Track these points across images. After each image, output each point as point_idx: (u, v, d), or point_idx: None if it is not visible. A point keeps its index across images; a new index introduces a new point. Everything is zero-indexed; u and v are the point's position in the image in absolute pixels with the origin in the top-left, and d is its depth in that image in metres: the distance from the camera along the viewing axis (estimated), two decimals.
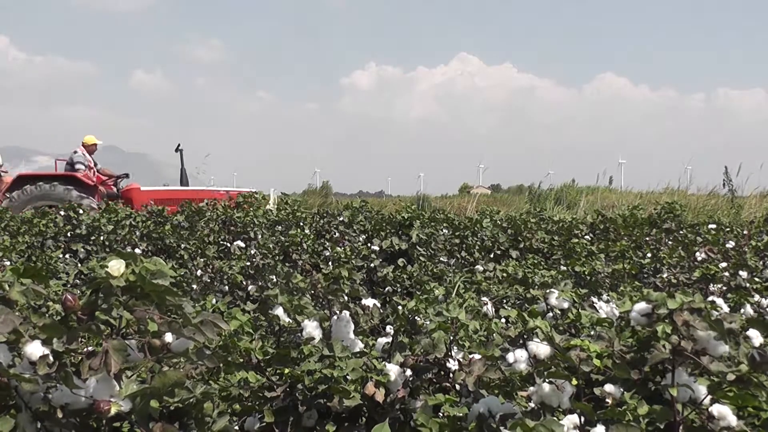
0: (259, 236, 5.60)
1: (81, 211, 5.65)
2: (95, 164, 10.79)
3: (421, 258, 4.83)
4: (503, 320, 2.40)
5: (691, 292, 1.40)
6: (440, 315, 1.88)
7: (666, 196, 14.11)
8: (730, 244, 4.87)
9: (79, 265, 4.75)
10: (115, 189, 10.77)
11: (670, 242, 5.46)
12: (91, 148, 10.76)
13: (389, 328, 2.54)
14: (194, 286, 4.08)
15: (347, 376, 1.73)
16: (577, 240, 5.16)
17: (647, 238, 5.70)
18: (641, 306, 1.40)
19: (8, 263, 4.21)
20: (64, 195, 9.77)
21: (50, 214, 5.75)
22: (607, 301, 2.66)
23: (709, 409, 1.33)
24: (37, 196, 9.79)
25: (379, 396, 1.71)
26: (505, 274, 3.52)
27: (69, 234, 5.39)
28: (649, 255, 4.74)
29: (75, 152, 10.60)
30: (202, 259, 4.86)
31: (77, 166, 10.44)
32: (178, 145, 11.17)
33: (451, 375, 1.84)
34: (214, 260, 4.77)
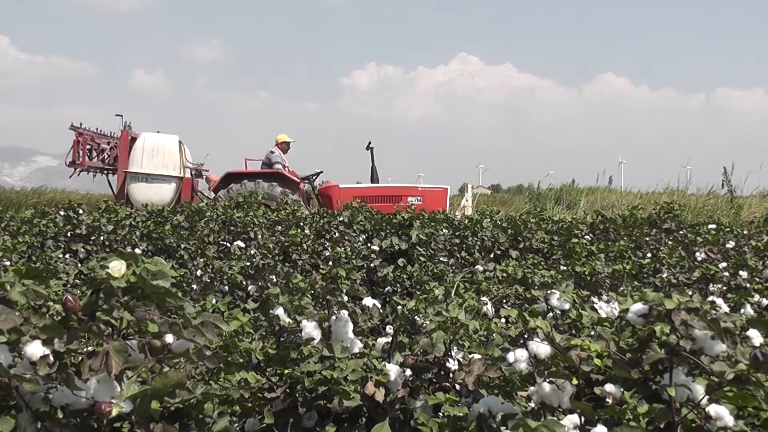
0: (259, 236, 5.60)
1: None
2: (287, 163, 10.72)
3: (421, 258, 4.84)
4: (503, 320, 2.40)
5: (690, 293, 1.40)
6: (440, 315, 1.88)
7: (666, 196, 14.13)
8: (730, 244, 4.87)
9: (79, 265, 4.75)
10: (309, 187, 10.67)
11: (669, 242, 5.46)
12: (283, 146, 10.67)
13: (389, 328, 2.54)
14: (194, 286, 4.08)
15: (347, 377, 1.73)
16: (577, 240, 5.16)
17: (647, 238, 5.70)
18: (638, 307, 1.40)
19: (8, 263, 4.21)
20: (268, 191, 9.81)
21: (50, 214, 5.75)
22: (608, 301, 2.66)
23: (707, 409, 1.33)
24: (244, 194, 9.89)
25: (379, 396, 1.72)
26: (505, 274, 3.52)
27: (69, 234, 5.39)
28: (649, 255, 4.74)
29: (272, 152, 10.51)
30: (202, 259, 4.86)
31: (276, 166, 10.35)
32: (369, 143, 10.99)
33: (450, 375, 1.84)
34: (214, 260, 4.77)
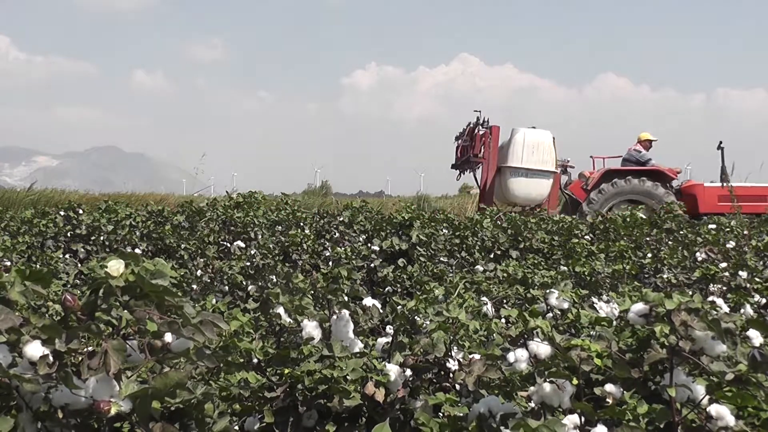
0: (259, 236, 5.60)
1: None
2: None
3: (421, 258, 4.83)
4: (503, 320, 2.40)
5: (691, 293, 1.40)
6: (440, 315, 1.88)
7: None
8: (730, 244, 4.87)
9: (79, 265, 4.75)
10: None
11: (670, 242, 5.47)
12: (646, 144, 10.47)
13: (389, 328, 2.54)
14: (194, 286, 4.08)
15: (347, 377, 1.73)
16: (577, 240, 5.17)
17: (647, 238, 5.70)
18: (639, 307, 1.40)
19: (8, 263, 4.21)
20: (652, 191, 9.70)
21: (50, 214, 5.74)
22: (607, 301, 2.66)
23: (708, 409, 1.33)
24: (625, 191, 9.78)
25: (379, 396, 1.72)
26: (505, 275, 3.52)
27: (69, 234, 5.38)
28: (649, 255, 4.75)
29: (637, 150, 10.33)
30: (202, 259, 4.86)
31: (649, 164, 10.11)
32: (720, 142, 10.49)
33: (451, 375, 1.84)
34: (214, 260, 4.77)
